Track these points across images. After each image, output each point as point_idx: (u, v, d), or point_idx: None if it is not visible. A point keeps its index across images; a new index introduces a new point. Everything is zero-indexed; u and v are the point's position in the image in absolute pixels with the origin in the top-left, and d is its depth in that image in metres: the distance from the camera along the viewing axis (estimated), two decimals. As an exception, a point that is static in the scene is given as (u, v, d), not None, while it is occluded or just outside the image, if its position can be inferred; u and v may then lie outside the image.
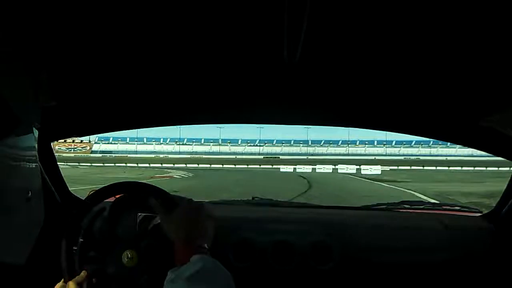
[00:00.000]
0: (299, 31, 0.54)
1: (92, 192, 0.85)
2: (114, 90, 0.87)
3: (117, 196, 0.83)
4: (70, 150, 69.89)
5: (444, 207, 1.34)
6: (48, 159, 1.07)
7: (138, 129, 1.50)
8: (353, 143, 73.55)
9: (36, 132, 0.62)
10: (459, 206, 1.35)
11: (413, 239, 1.10)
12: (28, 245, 0.63)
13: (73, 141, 71.77)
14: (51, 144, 1.12)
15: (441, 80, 0.75)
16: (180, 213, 0.71)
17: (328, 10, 0.50)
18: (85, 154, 68.23)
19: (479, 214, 1.24)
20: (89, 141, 74.79)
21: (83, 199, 1.00)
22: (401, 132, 1.21)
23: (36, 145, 0.64)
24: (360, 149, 72.06)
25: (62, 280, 0.72)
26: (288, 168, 32.22)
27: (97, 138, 74.02)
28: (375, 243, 1.09)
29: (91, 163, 39.16)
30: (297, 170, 30.60)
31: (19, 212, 0.57)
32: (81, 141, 72.81)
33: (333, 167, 31.63)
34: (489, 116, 0.82)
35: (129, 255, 0.74)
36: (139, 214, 0.79)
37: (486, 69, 0.66)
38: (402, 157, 61.10)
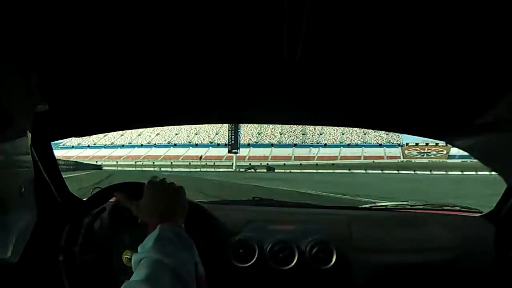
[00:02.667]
0: (299, 31, 0.54)
1: (93, 193, 0.85)
2: (114, 90, 0.87)
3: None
4: (423, 155, 56.22)
5: (444, 207, 1.34)
6: (48, 159, 1.07)
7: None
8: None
9: (29, 131, 0.61)
10: (459, 206, 1.35)
11: (413, 239, 1.10)
12: (22, 241, 0.62)
13: (427, 144, 55.96)
14: (51, 144, 1.12)
15: (443, 80, 0.74)
16: (144, 195, 0.66)
17: (328, 10, 0.50)
18: (440, 160, 53.48)
19: (479, 214, 1.24)
20: (446, 145, 52.21)
21: (83, 199, 1.00)
22: (402, 133, 1.21)
23: (30, 144, 0.63)
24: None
25: None
26: None
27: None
28: (375, 243, 1.09)
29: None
30: None
31: (13, 208, 0.57)
32: (437, 144, 55.03)
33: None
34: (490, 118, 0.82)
35: (128, 255, 0.74)
36: None
37: (487, 69, 0.66)
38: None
